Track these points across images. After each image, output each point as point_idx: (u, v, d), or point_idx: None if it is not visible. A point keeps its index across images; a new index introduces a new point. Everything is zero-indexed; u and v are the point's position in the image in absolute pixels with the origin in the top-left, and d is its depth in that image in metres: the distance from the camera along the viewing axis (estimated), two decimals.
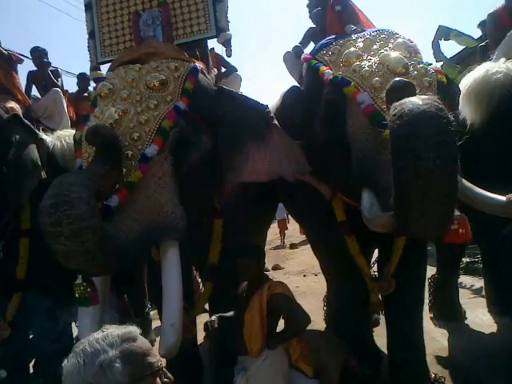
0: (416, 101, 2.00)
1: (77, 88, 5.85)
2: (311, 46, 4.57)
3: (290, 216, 10.61)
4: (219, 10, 3.43)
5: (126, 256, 2.17)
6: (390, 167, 2.08)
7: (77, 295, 2.23)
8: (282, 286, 2.77)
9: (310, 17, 4.66)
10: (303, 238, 12.74)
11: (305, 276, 8.27)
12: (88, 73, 5.80)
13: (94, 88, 3.23)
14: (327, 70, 2.94)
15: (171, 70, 2.82)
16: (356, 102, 2.67)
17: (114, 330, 1.21)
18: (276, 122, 2.97)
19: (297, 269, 9.07)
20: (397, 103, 2.04)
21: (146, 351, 1.22)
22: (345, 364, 3.04)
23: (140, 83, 2.72)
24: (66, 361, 1.17)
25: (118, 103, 2.65)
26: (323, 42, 3.27)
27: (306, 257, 9.48)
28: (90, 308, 2.33)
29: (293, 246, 12.00)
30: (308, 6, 4.64)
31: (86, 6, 3.74)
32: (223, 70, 4.95)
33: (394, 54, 2.80)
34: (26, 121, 3.38)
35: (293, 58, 4.31)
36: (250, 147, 2.81)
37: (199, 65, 3.02)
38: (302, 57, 3.38)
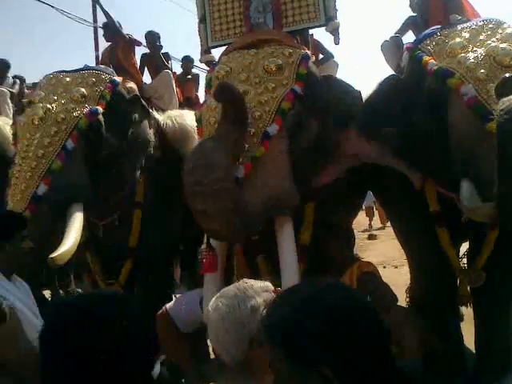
0: None
1: (181, 70, 6.19)
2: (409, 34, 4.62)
3: None
4: None
5: (251, 224, 2.45)
6: (491, 158, 2.18)
7: (199, 260, 2.55)
8: (372, 266, 2.94)
9: (409, 5, 4.68)
10: (381, 227, 12.69)
11: (384, 267, 8.18)
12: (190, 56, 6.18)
13: (208, 71, 3.48)
14: (431, 61, 3.01)
15: (285, 56, 3.04)
16: (459, 94, 2.73)
17: (255, 282, 1.46)
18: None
19: (376, 260, 9.02)
20: (505, 98, 2.13)
21: None
22: (423, 338, 3.14)
23: (258, 67, 2.97)
24: (216, 302, 1.42)
25: (238, 85, 2.87)
26: (427, 31, 3.31)
27: (386, 248, 9.41)
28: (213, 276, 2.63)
29: (371, 237, 11.89)
30: None
31: None
32: (320, 56, 5.09)
33: (502, 46, 2.81)
34: (143, 101, 3.72)
35: (391, 47, 4.39)
36: (354, 134, 2.98)
37: (308, 52, 3.23)
38: (405, 46, 3.45)
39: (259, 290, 1.43)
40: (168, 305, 3.16)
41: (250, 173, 2.60)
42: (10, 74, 5.84)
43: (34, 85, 4.60)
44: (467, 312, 3.55)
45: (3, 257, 2.10)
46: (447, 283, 3.39)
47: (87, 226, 3.41)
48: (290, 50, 3.12)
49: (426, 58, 3.07)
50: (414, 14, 4.59)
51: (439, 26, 3.32)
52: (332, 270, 3.04)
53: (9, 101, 4.96)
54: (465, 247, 3.60)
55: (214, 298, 1.42)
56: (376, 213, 13.05)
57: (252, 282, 1.48)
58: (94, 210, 3.42)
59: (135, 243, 3.72)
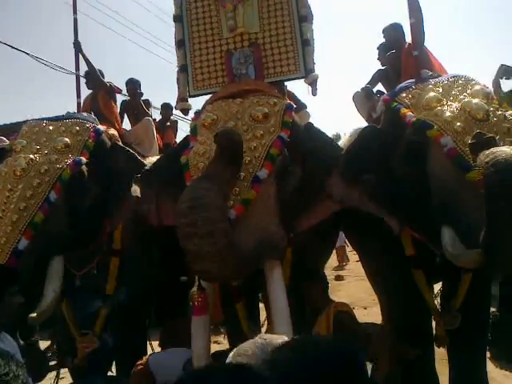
0: (507, 150, 2.22)
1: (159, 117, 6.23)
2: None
3: None
4: (307, 52, 3.75)
5: (245, 265, 2.45)
6: (472, 206, 2.29)
7: (191, 304, 2.52)
8: (346, 306, 3.03)
9: (378, 59, 4.92)
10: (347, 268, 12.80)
11: (354, 309, 8.24)
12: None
13: (193, 119, 3.55)
14: (409, 113, 3.16)
15: (271, 105, 3.18)
16: (439, 145, 2.86)
17: (272, 337, 1.43)
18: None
19: (344, 300, 9.06)
20: (488, 152, 2.25)
21: None
22: (396, 350, 3.17)
23: (245, 115, 3.09)
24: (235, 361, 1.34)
25: None
26: (403, 85, 3.48)
27: (354, 289, 9.46)
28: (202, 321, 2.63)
29: (338, 278, 11.96)
30: (378, 48, 4.90)
31: (178, 42, 4.07)
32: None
33: (475, 101, 2.99)
34: (128, 148, 3.72)
35: (363, 98, 4.60)
36: (339, 180, 3.07)
37: (291, 102, 3.36)
38: (382, 98, 3.60)
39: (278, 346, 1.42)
40: (150, 358, 3.08)
41: (242, 215, 2.64)
42: None
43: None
44: (439, 351, 3.59)
45: None
46: (424, 322, 3.44)
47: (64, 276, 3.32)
48: (275, 100, 3.27)
49: (403, 110, 3.22)
50: (383, 68, 4.84)
51: (412, 80, 3.51)
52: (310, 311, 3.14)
53: None
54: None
55: (231, 356, 1.39)
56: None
57: (269, 336, 1.46)
58: (73, 260, 3.34)
59: (112, 291, 3.64)
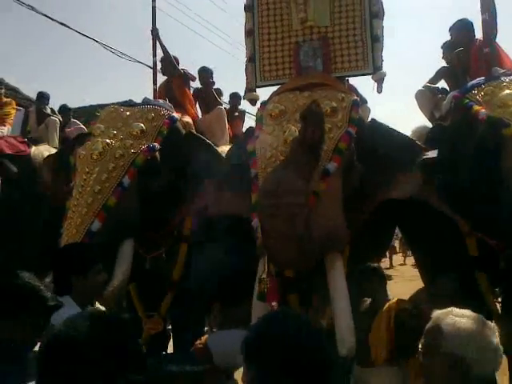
0: None
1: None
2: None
3: None
4: (376, 48, 3.75)
5: (315, 255, 2.50)
6: None
7: (257, 289, 2.58)
8: (409, 303, 3.03)
9: (443, 57, 4.83)
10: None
11: None
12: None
13: (259, 109, 3.59)
14: (482, 110, 3.12)
15: (339, 100, 3.19)
16: None
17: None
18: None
19: None
20: None
21: None
22: None
23: None
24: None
25: (294, 124, 3.02)
26: (473, 82, 3.43)
27: (401, 289, 9.33)
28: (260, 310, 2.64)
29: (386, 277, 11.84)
30: (443, 47, 4.82)
31: (247, 32, 4.13)
32: None
33: None
34: (205, 139, 3.77)
35: (426, 95, 4.53)
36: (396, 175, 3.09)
37: (357, 98, 3.37)
38: (452, 95, 3.56)
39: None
40: (209, 336, 3.17)
41: (313, 206, 2.67)
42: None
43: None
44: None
45: (81, 289, 2.13)
46: None
47: (134, 258, 3.44)
48: (343, 95, 3.29)
49: (476, 107, 3.17)
50: (447, 65, 4.76)
51: (483, 78, 3.44)
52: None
53: (58, 130, 5.10)
54: None
55: (455, 318, 1.41)
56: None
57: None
58: (143, 243, 3.44)
59: (178, 276, 3.72)
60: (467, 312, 1.43)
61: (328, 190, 2.82)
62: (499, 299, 3.64)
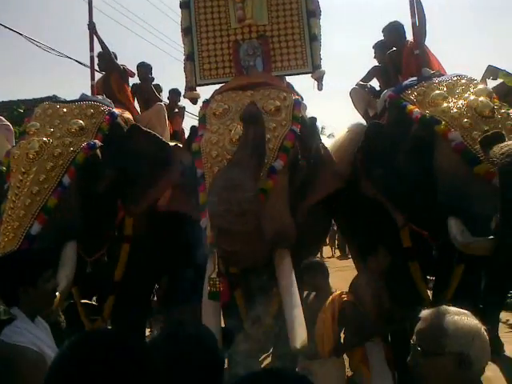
0: None
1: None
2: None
3: None
4: (314, 47, 3.84)
5: (265, 252, 2.52)
6: (481, 198, 2.42)
7: (208, 289, 2.56)
8: (352, 296, 3.14)
9: (375, 57, 5.03)
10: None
11: None
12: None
13: (202, 107, 3.56)
14: (415, 109, 3.28)
15: (281, 99, 3.24)
16: (447, 140, 2.98)
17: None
18: None
19: None
20: (502, 144, 2.39)
21: None
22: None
23: None
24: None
25: (238, 122, 3.00)
26: (407, 82, 3.59)
27: (333, 279, 9.61)
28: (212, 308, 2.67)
29: None
30: (374, 47, 5.00)
31: (184, 30, 4.11)
32: None
33: (481, 99, 3.13)
34: (152, 132, 3.65)
35: (360, 93, 4.70)
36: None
37: (298, 97, 3.45)
38: (386, 94, 3.72)
39: None
40: None
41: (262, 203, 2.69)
42: None
43: None
44: None
45: (28, 300, 2.01)
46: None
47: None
48: (285, 94, 3.34)
49: (410, 106, 3.33)
50: (378, 65, 4.95)
51: (416, 78, 3.62)
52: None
53: None
54: None
55: (454, 317, 1.39)
56: None
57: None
58: (85, 245, 3.28)
59: (120, 277, 3.61)
60: (459, 309, 1.44)
61: (275, 187, 2.86)
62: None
